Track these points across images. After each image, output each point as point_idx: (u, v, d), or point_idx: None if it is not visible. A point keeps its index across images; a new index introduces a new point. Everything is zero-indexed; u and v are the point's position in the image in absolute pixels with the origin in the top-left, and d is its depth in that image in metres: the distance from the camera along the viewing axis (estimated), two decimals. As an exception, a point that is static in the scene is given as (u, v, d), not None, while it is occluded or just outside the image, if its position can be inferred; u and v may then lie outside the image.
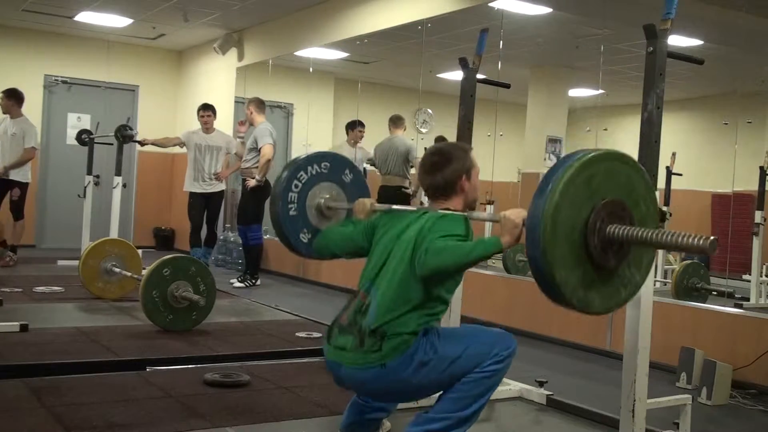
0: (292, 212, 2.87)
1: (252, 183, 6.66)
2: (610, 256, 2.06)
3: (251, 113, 6.87)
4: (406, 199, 6.67)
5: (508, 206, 7.95)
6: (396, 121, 7.04)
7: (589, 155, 2.03)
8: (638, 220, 2.11)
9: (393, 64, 8.66)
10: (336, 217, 2.94)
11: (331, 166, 2.97)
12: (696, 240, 1.93)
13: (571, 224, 1.99)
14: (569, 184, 1.97)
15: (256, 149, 6.71)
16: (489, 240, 2.19)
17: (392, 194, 6.57)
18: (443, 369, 2.30)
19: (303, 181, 2.89)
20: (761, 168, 5.81)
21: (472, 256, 2.19)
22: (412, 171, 7.07)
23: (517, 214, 2.15)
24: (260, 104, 6.95)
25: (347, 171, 3.01)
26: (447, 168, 2.49)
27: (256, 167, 6.69)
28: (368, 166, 7.41)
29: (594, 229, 2.02)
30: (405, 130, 7.07)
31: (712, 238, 1.91)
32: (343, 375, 2.37)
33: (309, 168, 2.91)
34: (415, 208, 2.56)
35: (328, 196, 2.93)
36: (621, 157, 2.13)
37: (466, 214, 2.43)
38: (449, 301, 2.43)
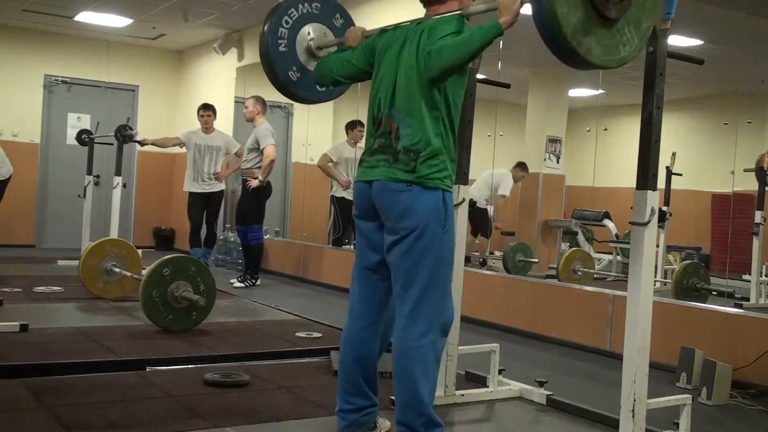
0: (281, 48, 2.86)
1: (255, 183, 6.65)
2: (611, 4, 2.09)
3: (257, 112, 6.83)
4: None
5: (507, 205, 7.90)
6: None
7: None
8: None
9: (393, 64, 8.64)
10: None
11: (321, 8, 2.96)
12: None
13: None
14: None
15: (257, 149, 6.71)
16: (487, 25, 2.24)
17: None
18: (432, 254, 2.43)
19: (294, 18, 2.87)
20: (761, 168, 5.81)
21: (473, 43, 2.25)
22: None
23: None
24: (264, 104, 6.93)
25: (338, 15, 3.00)
26: None
27: (258, 167, 6.68)
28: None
29: None
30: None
31: None
32: (373, 190, 2.48)
33: (300, 6, 2.90)
34: (408, 22, 2.57)
35: (316, 36, 2.92)
36: None
37: (460, 11, 2.47)
38: (458, 114, 2.52)
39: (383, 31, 2.66)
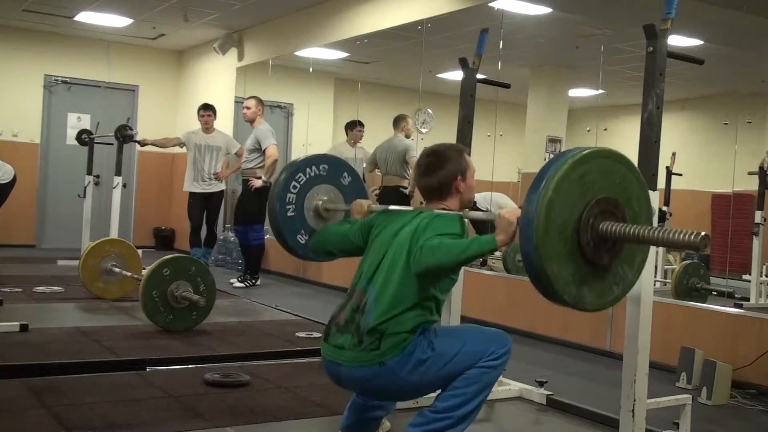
0: (290, 213, 2.88)
1: (258, 183, 6.67)
2: (602, 253, 2.08)
3: (260, 112, 6.85)
4: (404, 198, 6.68)
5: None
6: (395, 123, 7.04)
7: (583, 152, 2.04)
8: (630, 218, 2.12)
9: (393, 64, 8.66)
10: (333, 219, 2.95)
11: (329, 169, 2.97)
12: (686, 236, 1.94)
13: (564, 220, 2.01)
14: (563, 181, 1.99)
15: (258, 150, 6.72)
16: (484, 238, 2.20)
17: (391, 194, 6.58)
18: (440, 367, 2.31)
19: (301, 183, 2.90)
20: (761, 168, 5.81)
21: (466, 253, 2.20)
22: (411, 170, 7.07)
23: (512, 213, 2.17)
24: (263, 104, 6.96)
25: (345, 174, 3.02)
26: (442, 169, 2.50)
27: (260, 167, 6.70)
28: (365, 165, 7.40)
29: (587, 226, 2.04)
30: (403, 130, 7.07)
31: (702, 233, 1.92)
32: (342, 374, 2.37)
33: (307, 170, 2.92)
34: (411, 209, 2.57)
35: (326, 198, 2.94)
36: (615, 156, 2.14)
37: (461, 213, 2.45)
38: (443, 300, 2.44)
39: (385, 211, 2.64)
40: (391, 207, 2.64)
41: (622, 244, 2.12)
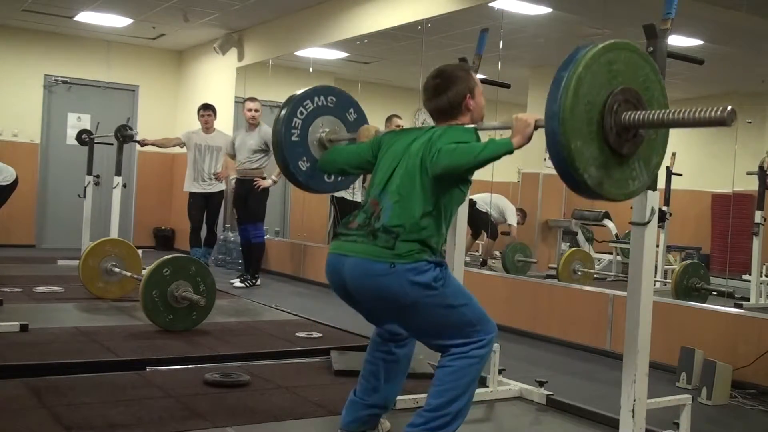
0: (293, 138, 2.88)
1: (268, 183, 6.76)
2: (623, 142, 2.13)
3: (261, 114, 6.88)
4: None
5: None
6: (387, 121, 7.05)
7: (613, 41, 2.14)
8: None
9: (393, 64, 8.66)
10: None
11: (336, 102, 3.00)
12: (712, 112, 1.96)
13: (590, 100, 2.07)
14: (593, 61, 2.08)
15: (263, 150, 6.77)
16: (500, 140, 2.24)
17: None
18: (440, 308, 2.34)
19: (308, 110, 2.91)
20: (760, 168, 5.81)
21: (483, 154, 2.24)
22: None
23: (529, 115, 2.23)
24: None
25: (352, 110, 3.03)
26: (450, 89, 2.52)
27: (265, 167, 6.80)
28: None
29: (611, 111, 2.11)
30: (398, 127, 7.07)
31: (729, 107, 1.93)
32: (346, 267, 2.36)
33: (315, 98, 2.94)
34: (420, 127, 2.58)
35: (329, 129, 2.94)
36: (642, 54, 2.23)
37: (474, 126, 2.48)
38: (453, 214, 2.48)
39: (394, 131, 2.66)
40: (400, 129, 2.66)
41: (642, 137, 2.17)
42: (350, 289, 2.41)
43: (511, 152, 2.26)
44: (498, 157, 2.26)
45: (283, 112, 2.90)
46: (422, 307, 2.32)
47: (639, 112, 2.11)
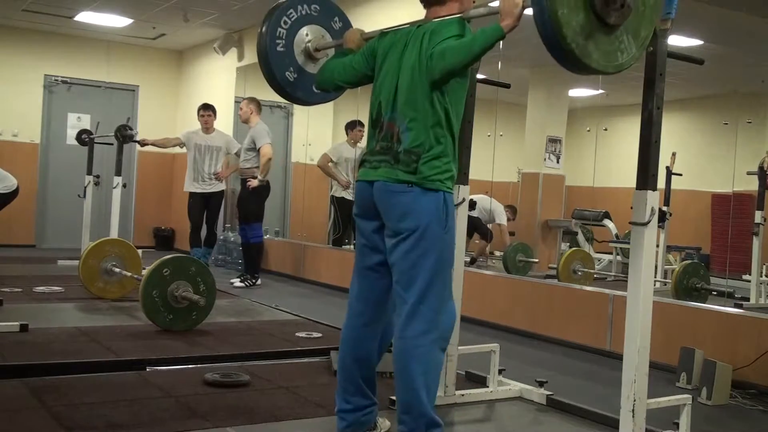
0: (279, 48, 2.85)
1: (254, 183, 6.70)
2: (611, 11, 2.11)
3: (251, 112, 6.89)
4: None
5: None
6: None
7: None
8: None
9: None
10: (324, 58, 2.92)
11: (321, 10, 2.97)
12: None
13: None
14: None
15: (254, 149, 6.75)
16: (489, 28, 2.26)
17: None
18: (434, 255, 2.43)
19: (292, 19, 2.87)
20: (760, 168, 5.81)
21: (476, 47, 2.27)
22: None
23: None
24: (259, 105, 6.98)
25: (336, 18, 3.01)
26: None
27: (257, 166, 6.71)
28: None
29: None
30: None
31: None
32: (374, 190, 2.49)
33: (299, 7, 2.91)
34: (408, 25, 2.58)
35: (314, 38, 2.92)
36: None
37: (461, 14, 2.49)
38: (461, 114, 2.53)
39: (383, 33, 2.67)
40: (387, 28, 2.64)
41: (629, 7, 2.15)
42: (378, 208, 2.52)
43: (503, 37, 2.27)
44: (491, 45, 2.27)
45: (266, 23, 2.85)
46: (424, 242, 2.42)
47: None
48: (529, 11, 2.20)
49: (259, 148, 6.70)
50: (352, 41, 2.79)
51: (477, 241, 7.87)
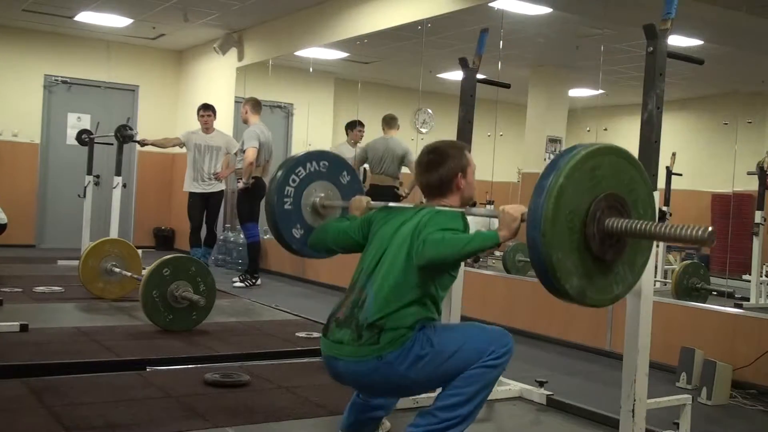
0: (287, 206, 2.87)
1: (239, 185, 6.81)
2: (607, 248, 2.09)
3: (246, 113, 6.95)
4: (397, 199, 6.69)
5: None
6: (390, 122, 7.05)
7: (597, 146, 2.08)
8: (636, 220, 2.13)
9: (393, 64, 8.66)
10: (330, 216, 2.94)
11: (329, 166, 2.97)
12: (693, 231, 1.95)
13: (572, 209, 2.02)
14: (574, 170, 2.01)
15: (244, 151, 6.79)
16: (487, 233, 2.22)
17: (383, 193, 6.58)
18: (439, 364, 2.30)
19: (301, 177, 2.89)
20: (761, 168, 5.81)
21: (469, 247, 2.21)
22: (405, 171, 7.09)
23: (516, 209, 2.19)
24: (255, 105, 7.00)
25: (345, 173, 3.01)
26: (443, 166, 2.51)
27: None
28: (367, 167, 7.40)
29: (594, 219, 2.06)
30: (398, 129, 7.09)
31: (710, 228, 1.92)
32: (341, 369, 2.38)
33: (308, 164, 2.92)
34: (411, 206, 2.57)
35: (323, 194, 2.94)
36: (626, 156, 2.16)
37: (463, 210, 2.45)
38: (443, 298, 2.44)
39: (385, 208, 2.65)
40: (391, 204, 2.65)
41: (626, 242, 2.13)
42: (351, 385, 2.45)
43: (498, 245, 2.24)
44: (484, 250, 2.25)
45: (275, 180, 2.87)
46: (422, 374, 2.31)
47: (622, 221, 2.07)
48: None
49: (244, 151, 6.76)
50: (357, 209, 2.79)
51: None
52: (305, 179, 2.91)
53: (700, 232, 1.94)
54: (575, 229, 2.04)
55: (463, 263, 3.32)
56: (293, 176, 2.88)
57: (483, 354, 2.32)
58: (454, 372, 2.31)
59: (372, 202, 2.78)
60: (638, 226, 2.04)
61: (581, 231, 2.05)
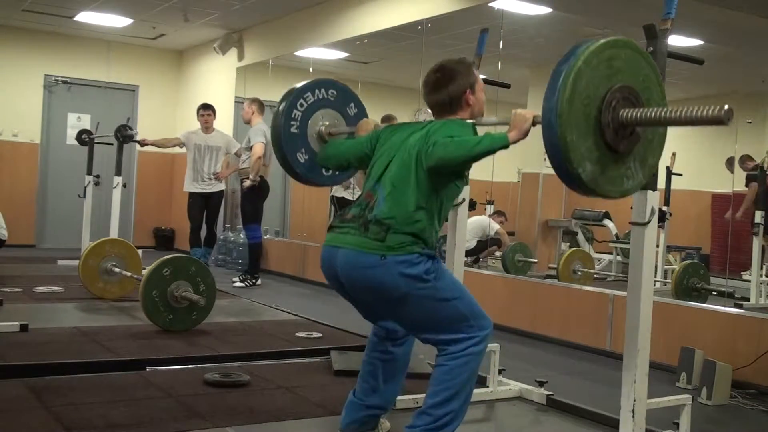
0: (293, 129, 2.88)
1: (247, 183, 6.73)
2: (620, 139, 2.12)
3: (252, 112, 6.92)
4: None
5: (507, 205, 7.91)
6: (387, 122, 7.03)
7: (615, 38, 2.13)
8: None
9: (393, 64, 8.65)
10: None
11: (337, 95, 2.99)
12: (709, 111, 1.96)
13: (588, 95, 2.06)
14: (592, 56, 2.05)
15: (250, 149, 6.78)
16: (497, 134, 2.23)
17: None
18: (432, 300, 2.32)
19: (309, 102, 2.91)
20: (761, 167, 5.81)
21: (479, 147, 2.24)
22: None
23: (528, 111, 2.22)
24: (261, 105, 7.02)
25: (352, 104, 3.02)
26: (451, 84, 2.53)
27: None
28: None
29: (609, 107, 2.09)
30: None
31: (726, 106, 1.92)
32: (339, 260, 2.37)
33: (316, 91, 2.94)
34: (421, 120, 2.58)
35: (329, 123, 2.94)
36: (643, 53, 2.22)
37: (473, 121, 2.48)
38: (449, 208, 2.48)
39: (393, 126, 2.66)
40: (400, 123, 2.66)
41: (639, 136, 2.15)
42: (343, 281, 2.41)
43: (506, 146, 2.25)
44: (494, 151, 2.25)
45: (283, 103, 2.89)
46: (414, 299, 2.31)
47: (637, 110, 2.10)
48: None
49: (250, 147, 6.74)
50: (365, 131, 2.80)
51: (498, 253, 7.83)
52: (313, 105, 2.92)
53: (716, 111, 1.94)
54: (591, 115, 2.07)
55: (462, 263, 3.34)
56: (301, 100, 2.89)
57: (465, 322, 2.34)
58: (436, 318, 2.33)
59: (380, 124, 2.79)
60: (653, 113, 2.07)
61: (596, 118, 2.08)
